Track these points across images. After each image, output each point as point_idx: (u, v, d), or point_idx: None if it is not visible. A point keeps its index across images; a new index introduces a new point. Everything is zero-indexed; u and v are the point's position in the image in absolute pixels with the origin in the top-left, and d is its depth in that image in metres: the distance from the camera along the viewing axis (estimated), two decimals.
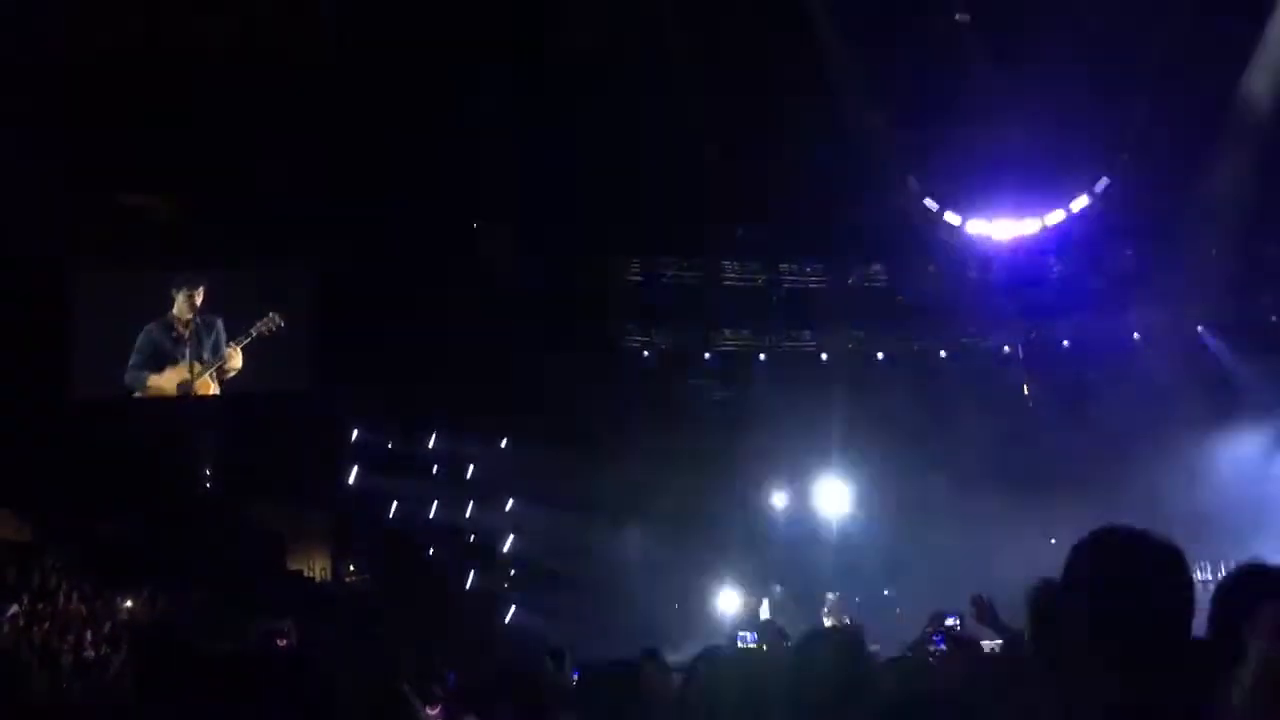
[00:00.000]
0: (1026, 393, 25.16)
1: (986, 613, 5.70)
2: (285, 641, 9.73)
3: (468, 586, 23.84)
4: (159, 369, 22.44)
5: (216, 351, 22.44)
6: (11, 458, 20.24)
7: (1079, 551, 2.34)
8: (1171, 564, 2.24)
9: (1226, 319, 23.92)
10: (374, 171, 21.42)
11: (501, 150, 20.94)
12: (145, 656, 3.70)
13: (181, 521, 21.28)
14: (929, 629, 8.66)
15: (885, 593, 22.37)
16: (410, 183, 21.37)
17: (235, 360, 22.45)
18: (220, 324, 22.53)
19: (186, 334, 22.42)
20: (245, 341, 22.35)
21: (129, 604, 18.87)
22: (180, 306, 22.42)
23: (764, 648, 6.45)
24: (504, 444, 24.05)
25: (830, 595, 19.53)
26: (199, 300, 22.47)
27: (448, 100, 20.65)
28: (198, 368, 22.41)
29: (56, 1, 19.17)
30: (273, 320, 22.23)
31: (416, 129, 20.90)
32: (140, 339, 22.47)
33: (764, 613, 20.85)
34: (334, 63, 20.47)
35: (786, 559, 22.79)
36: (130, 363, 22.40)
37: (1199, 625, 2.39)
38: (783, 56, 20.57)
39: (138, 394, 22.42)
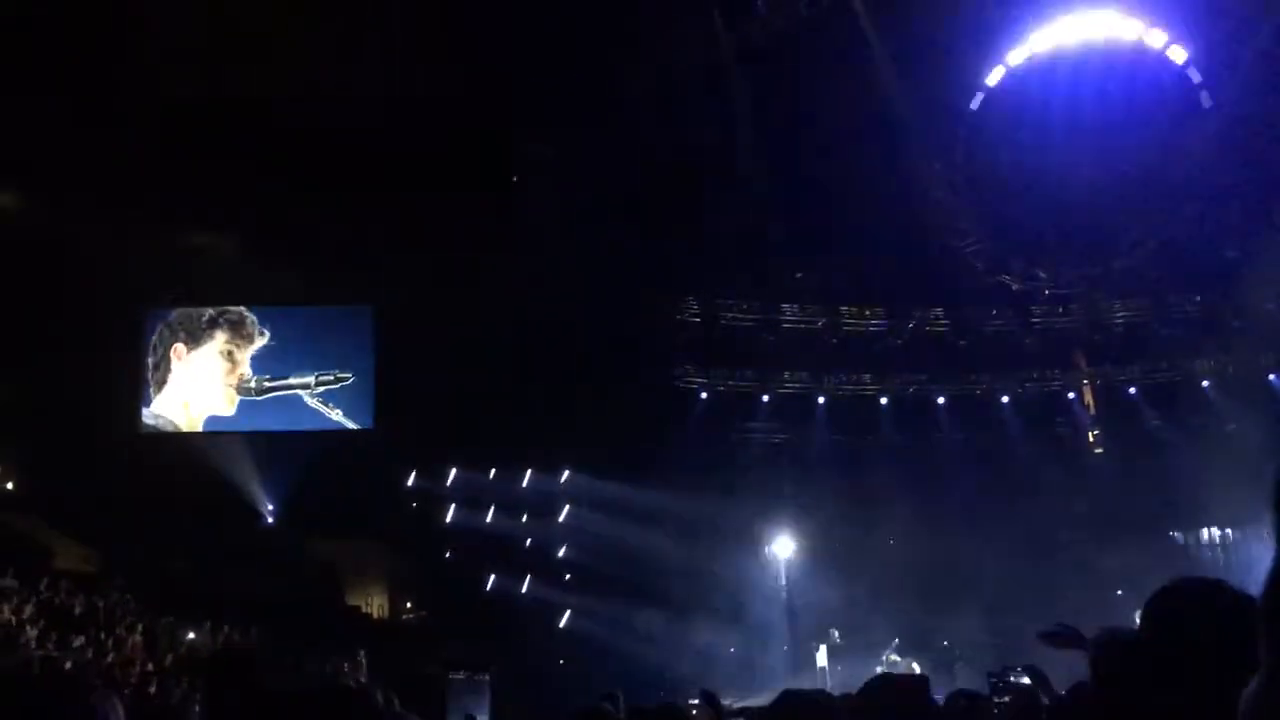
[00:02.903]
0: (1092, 440, 24.73)
1: (1040, 680, 5.62)
2: (355, 682, 9.84)
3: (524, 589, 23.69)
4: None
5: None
6: (79, 490, 20.67)
7: (1154, 602, 2.29)
8: (1249, 615, 2.19)
9: None
10: (436, 215, 21.70)
11: (563, 191, 21.14)
12: (215, 686, 3.73)
13: (244, 556, 21.52)
14: (994, 681, 8.59)
15: (945, 643, 21.99)
16: (471, 226, 21.61)
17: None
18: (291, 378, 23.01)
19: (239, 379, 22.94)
20: (316, 390, 22.74)
21: (191, 636, 19.11)
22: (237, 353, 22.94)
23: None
24: (563, 480, 24.05)
25: (895, 642, 19.34)
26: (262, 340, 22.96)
27: (506, 145, 20.93)
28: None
29: (132, 52, 19.75)
30: (337, 377, 22.67)
31: (476, 172, 21.17)
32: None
33: (821, 658, 20.66)
34: (395, 111, 20.80)
35: (842, 602, 22.52)
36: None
37: None
38: (846, 101, 20.61)
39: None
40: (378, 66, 20.47)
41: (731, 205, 21.56)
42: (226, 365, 22.93)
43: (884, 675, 3.60)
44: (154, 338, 23.01)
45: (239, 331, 23.01)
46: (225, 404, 22.89)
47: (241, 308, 23.14)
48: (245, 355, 22.92)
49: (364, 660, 11.59)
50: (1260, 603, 1.19)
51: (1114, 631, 2.71)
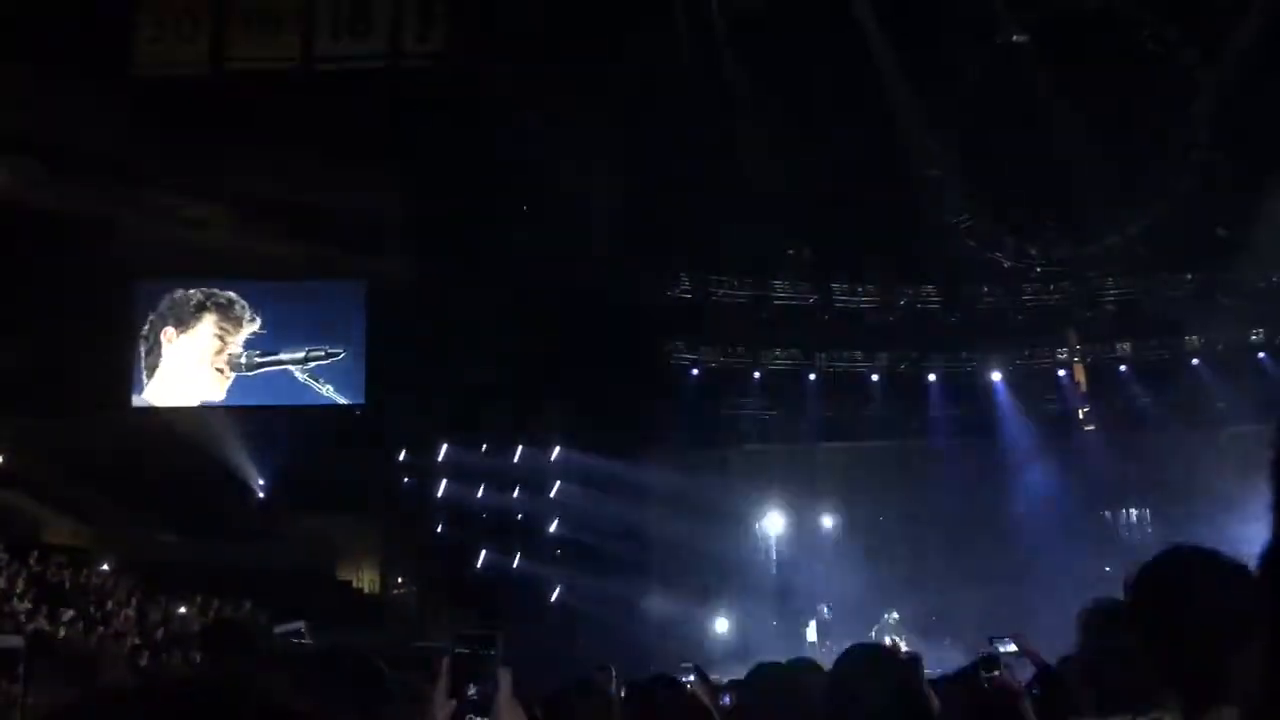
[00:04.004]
0: (1082, 417, 24.79)
1: (1026, 646, 5.65)
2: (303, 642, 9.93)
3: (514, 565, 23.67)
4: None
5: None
6: (70, 464, 20.63)
7: (1146, 570, 2.28)
8: (1242, 582, 2.19)
9: None
10: (430, 192, 21.64)
11: (556, 169, 21.04)
12: (216, 653, 3.74)
13: (234, 531, 21.52)
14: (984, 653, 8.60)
15: (933, 618, 22.10)
16: (466, 202, 21.56)
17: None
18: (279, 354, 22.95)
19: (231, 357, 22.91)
20: (307, 365, 22.73)
21: (182, 610, 19.12)
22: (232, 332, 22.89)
23: None
24: (554, 456, 24.02)
25: (887, 614, 19.39)
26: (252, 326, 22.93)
27: (504, 118, 20.80)
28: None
29: (127, 21, 19.60)
30: (328, 352, 22.67)
31: (473, 148, 21.06)
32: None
33: (810, 634, 20.76)
34: (394, 86, 20.69)
35: (833, 579, 22.61)
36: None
37: None
38: (839, 80, 20.53)
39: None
40: (376, 39, 20.36)
41: (723, 181, 21.49)
42: (217, 345, 22.83)
43: (859, 645, 3.60)
44: (145, 327, 22.87)
45: (227, 315, 22.89)
46: (216, 386, 22.81)
47: (231, 293, 22.99)
48: (235, 338, 22.82)
49: (304, 628, 11.49)
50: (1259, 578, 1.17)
51: (1101, 602, 2.73)
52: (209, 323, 22.90)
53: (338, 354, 22.81)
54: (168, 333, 22.79)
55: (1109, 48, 20.75)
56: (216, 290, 22.99)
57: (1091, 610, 2.79)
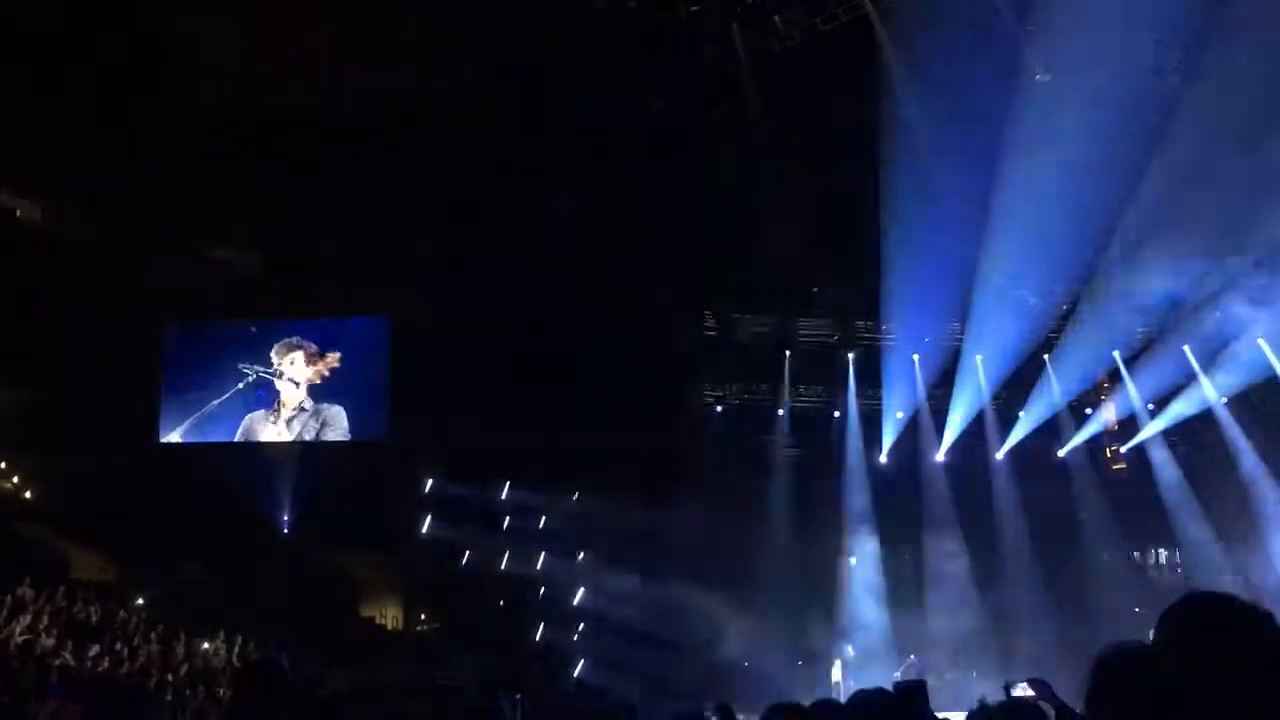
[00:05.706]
0: (1110, 455, 24.60)
1: (1045, 692, 5.62)
2: None
3: (537, 638, 23.68)
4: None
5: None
6: (97, 500, 20.79)
7: (1167, 617, 2.30)
8: (1263, 627, 2.20)
9: None
10: (452, 229, 21.82)
11: (577, 206, 21.20)
12: (248, 691, 3.77)
13: (259, 567, 21.59)
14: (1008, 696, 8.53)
15: (958, 655, 21.93)
16: (488, 240, 21.74)
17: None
18: (339, 414, 23.15)
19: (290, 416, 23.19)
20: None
21: (205, 646, 19.17)
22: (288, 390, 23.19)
23: None
24: (575, 497, 24.02)
25: (911, 658, 19.27)
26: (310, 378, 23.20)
27: (525, 158, 21.01)
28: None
29: (153, 67, 19.97)
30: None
31: (495, 187, 21.27)
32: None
33: (836, 674, 20.61)
34: (414, 125, 20.94)
35: (858, 619, 22.47)
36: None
37: None
38: (862, 117, 20.63)
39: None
40: (396, 75, 20.66)
41: (747, 219, 21.59)
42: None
43: (871, 689, 3.57)
44: (172, 350, 23.18)
45: (313, 361, 23.32)
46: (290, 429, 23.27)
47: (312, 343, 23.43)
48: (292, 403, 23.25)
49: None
50: None
51: (1121, 645, 2.72)
52: (300, 361, 23.27)
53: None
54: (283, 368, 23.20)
55: (1130, 85, 20.73)
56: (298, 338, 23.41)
57: (1103, 654, 2.78)
